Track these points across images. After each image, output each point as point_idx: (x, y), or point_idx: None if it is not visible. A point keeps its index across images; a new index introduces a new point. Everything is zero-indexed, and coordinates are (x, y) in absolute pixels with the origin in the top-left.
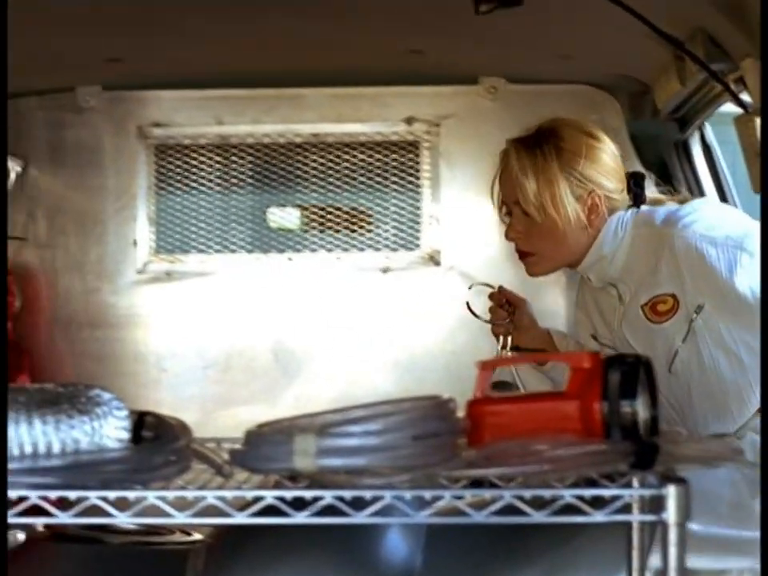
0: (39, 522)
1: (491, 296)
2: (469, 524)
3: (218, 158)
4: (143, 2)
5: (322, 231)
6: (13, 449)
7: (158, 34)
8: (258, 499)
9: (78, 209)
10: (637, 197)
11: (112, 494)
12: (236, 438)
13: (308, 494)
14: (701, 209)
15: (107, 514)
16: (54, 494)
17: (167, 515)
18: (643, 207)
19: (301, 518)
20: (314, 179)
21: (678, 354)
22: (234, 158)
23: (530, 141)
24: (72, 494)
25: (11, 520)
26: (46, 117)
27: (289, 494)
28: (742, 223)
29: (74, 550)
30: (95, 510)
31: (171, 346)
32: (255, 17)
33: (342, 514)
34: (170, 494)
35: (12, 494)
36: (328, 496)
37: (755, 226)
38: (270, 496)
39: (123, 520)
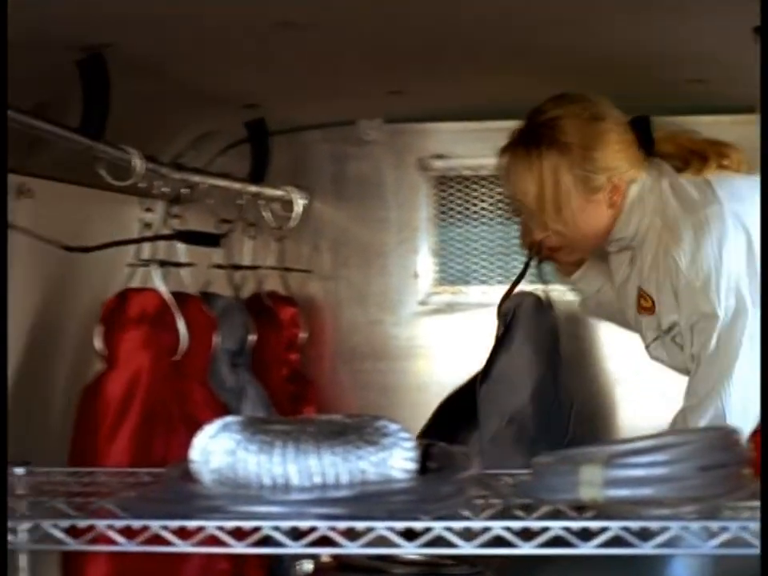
0: (327, 552)
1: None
2: (754, 555)
3: (498, 189)
4: (425, 35)
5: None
6: (303, 480)
7: (439, 67)
8: (544, 530)
9: (361, 241)
10: (647, 146)
11: (399, 525)
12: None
13: (594, 525)
14: (719, 214)
15: (392, 544)
16: (342, 525)
17: (454, 546)
18: (676, 181)
19: (587, 548)
20: None
21: (650, 347)
22: None
23: (530, 144)
24: (360, 525)
25: (300, 550)
26: (329, 149)
27: (575, 525)
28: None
29: None
30: (380, 540)
31: (454, 377)
32: (531, 47)
33: (629, 544)
34: (457, 525)
35: (302, 524)
36: (614, 527)
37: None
38: (556, 527)
39: (411, 551)
